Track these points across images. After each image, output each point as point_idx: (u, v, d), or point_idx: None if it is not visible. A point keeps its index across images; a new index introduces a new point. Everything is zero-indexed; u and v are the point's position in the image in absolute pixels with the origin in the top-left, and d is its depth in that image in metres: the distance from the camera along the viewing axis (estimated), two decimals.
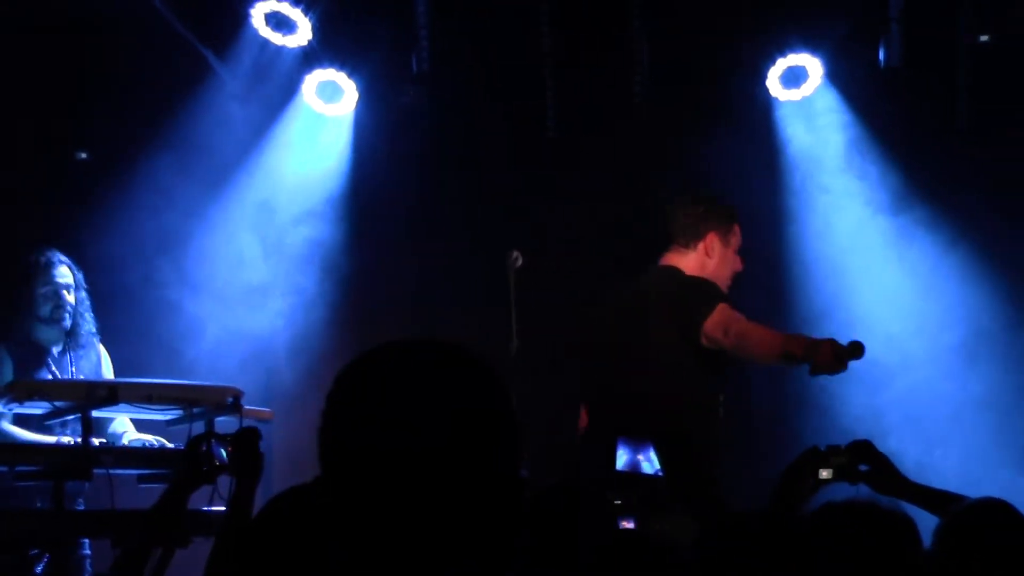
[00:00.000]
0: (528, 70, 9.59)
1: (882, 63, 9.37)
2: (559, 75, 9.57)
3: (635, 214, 9.71)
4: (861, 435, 4.87)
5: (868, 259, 9.60)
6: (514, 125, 9.86)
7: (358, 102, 9.66)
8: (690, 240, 6.24)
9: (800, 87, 9.56)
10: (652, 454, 5.39)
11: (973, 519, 3.83)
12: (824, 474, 4.51)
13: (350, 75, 9.50)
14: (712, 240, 6.23)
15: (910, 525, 3.63)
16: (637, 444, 5.33)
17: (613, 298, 6.44)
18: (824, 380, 8.71)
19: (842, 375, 5.75)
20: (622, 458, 5.23)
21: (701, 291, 5.99)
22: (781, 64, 9.46)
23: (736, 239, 6.35)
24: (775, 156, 9.81)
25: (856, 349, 5.39)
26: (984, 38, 9.40)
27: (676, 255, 6.25)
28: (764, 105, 9.75)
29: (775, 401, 9.37)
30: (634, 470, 5.31)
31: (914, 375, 9.01)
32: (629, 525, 5.38)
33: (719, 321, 5.78)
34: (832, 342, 5.40)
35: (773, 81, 9.55)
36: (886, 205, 9.64)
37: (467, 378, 2.02)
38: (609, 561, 3.62)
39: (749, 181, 9.19)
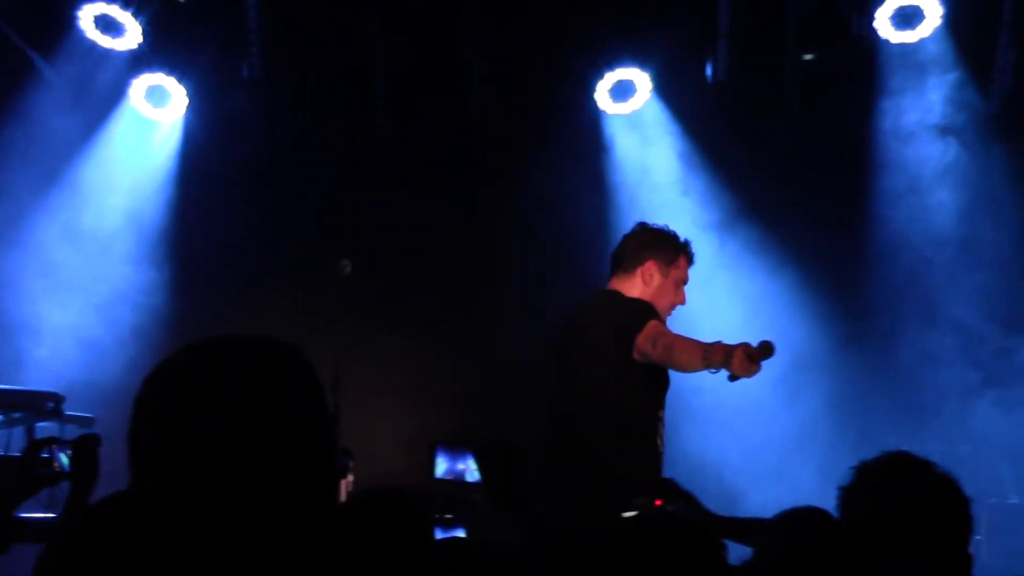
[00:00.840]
0: (360, 78, 9.58)
1: (710, 78, 9.51)
2: (391, 84, 9.58)
3: (466, 221, 9.74)
4: (705, 479, 4.93)
5: (696, 282, 9.56)
6: (345, 133, 9.83)
7: (187, 107, 9.55)
8: (630, 266, 6.31)
9: (628, 101, 9.66)
10: (472, 462, 5.40)
11: (785, 529, 3.90)
12: (628, 515, 4.54)
13: (180, 80, 9.38)
14: (651, 267, 6.28)
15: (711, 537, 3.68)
16: (456, 452, 5.33)
17: (561, 323, 6.49)
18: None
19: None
20: (441, 466, 5.22)
21: (634, 308, 6.07)
22: (609, 78, 9.55)
23: (678, 272, 6.40)
24: (603, 170, 9.83)
25: (766, 349, 5.43)
26: (808, 57, 9.58)
27: (618, 280, 6.32)
28: (593, 118, 9.80)
29: None
30: (458, 479, 5.31)
31: (746, 408, 8.78)
32: (459, 534, 5.40)
33: (648, 334, 5.86)
34: (744, 345, 5.45)
35: (602, 94, 9.64)
36: (714, 224, 9.63)
37: (277, 371, 1.99)
38: (428, 568, 3.61)
39: (577, 195, 9.23)
